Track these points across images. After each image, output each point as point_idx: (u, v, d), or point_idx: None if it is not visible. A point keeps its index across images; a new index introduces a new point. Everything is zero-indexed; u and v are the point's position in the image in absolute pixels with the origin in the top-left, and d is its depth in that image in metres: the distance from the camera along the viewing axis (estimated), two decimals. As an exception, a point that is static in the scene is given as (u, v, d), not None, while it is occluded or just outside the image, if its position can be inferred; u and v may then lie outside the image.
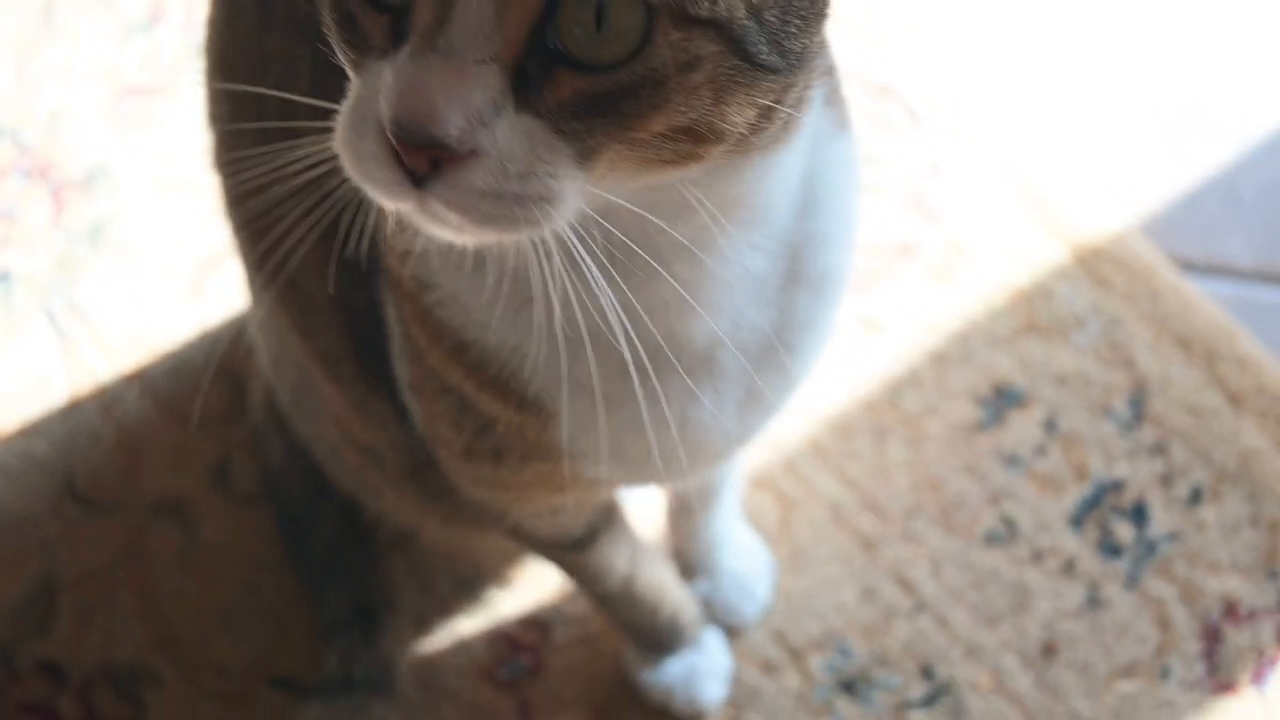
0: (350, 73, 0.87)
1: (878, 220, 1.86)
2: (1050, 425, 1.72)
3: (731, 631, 1.60)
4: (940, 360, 1.77)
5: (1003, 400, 1.74)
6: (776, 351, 1.06)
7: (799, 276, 1.04)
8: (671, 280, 0.95)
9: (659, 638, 1.54)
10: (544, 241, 0.86)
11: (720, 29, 0.82)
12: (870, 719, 1.58)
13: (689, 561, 1.59)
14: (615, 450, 1.06)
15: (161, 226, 1.86)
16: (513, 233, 0.85)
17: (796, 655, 1.61)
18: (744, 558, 1.61)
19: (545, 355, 1.01)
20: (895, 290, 1.82)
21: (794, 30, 0.86)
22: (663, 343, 0.99)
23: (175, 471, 1.72)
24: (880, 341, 1.78)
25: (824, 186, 1.04)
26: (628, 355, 0.93)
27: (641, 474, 1.15)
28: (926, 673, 1.60)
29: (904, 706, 1.58)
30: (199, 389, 1.74)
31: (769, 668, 1.60)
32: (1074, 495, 1.69)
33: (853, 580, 1.65)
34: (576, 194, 0.85)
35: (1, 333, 1.81)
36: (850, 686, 1.60)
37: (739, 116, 0.86)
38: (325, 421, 1.46)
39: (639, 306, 0.93)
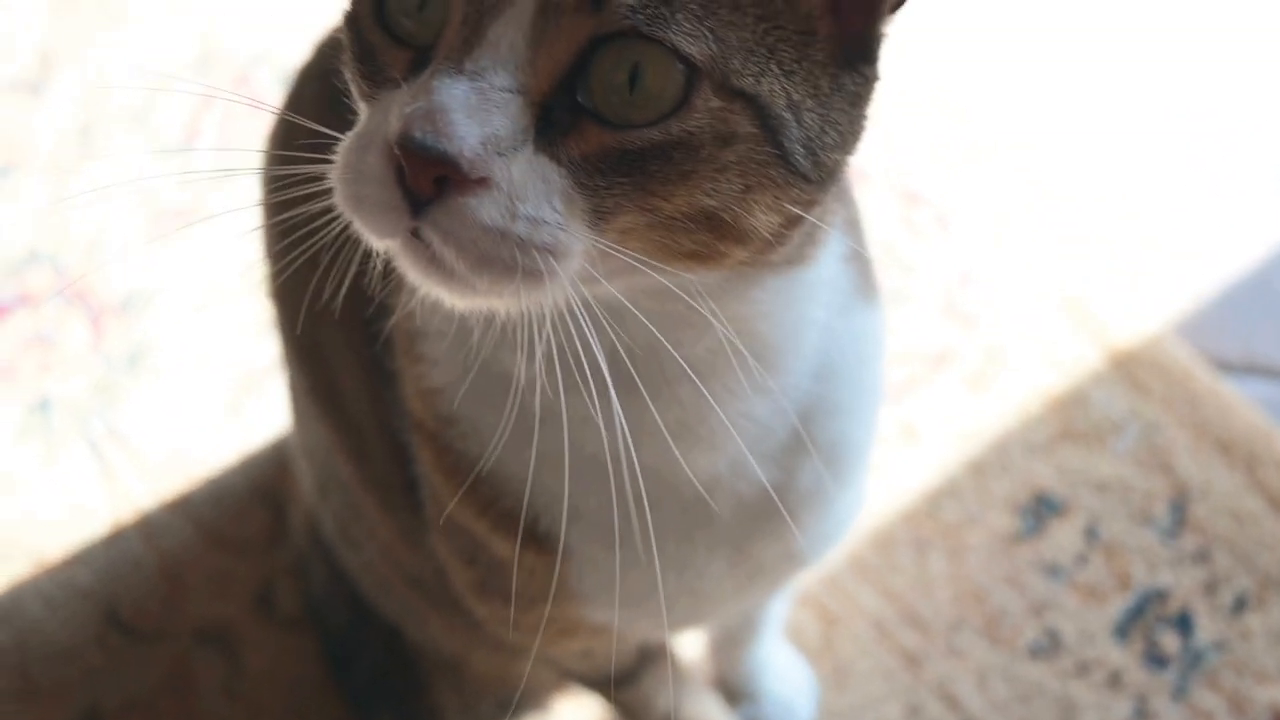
0: (361, 106, 0.86)
1: (912, 328, 1.86)
2: (1091, 534, 1.72)
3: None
4: (978, 469, 1.76)
5: (1042, 509, 1.73)
6: (775, 516, 1.03)
7: (809, 441, 1.02)
8: (675, 404, 0.94)
9: None
10: (550, 342, 0.84)
11: (760, 110, 0.81)
12: None
13: (731, 687, 1.58)
14: (621, 594, 1.04)
15: (199, 348, 1.87)
16: (509, 285, 0.81)
17: None
18: (786, 679, 1.59)
19: (551, 486, 0.99)
20: (931, 398, 1.81)
21: (830, 141, 0.85)
22: (659, 474, 0.97)
23: (219, 598, 1.71)
24: (918, 451, 1.77)
25: (843, 355, 1.03)
26: (626, 484, 0.92)
27: (648, 620, 1.12)
28: None
29: None
30: (241, 514, 1.74)
31: None
32: (1118, 605, 1.68)
33: (897, 697, 1.63)
34: (582, 258, 0.82)
35: (42, 459, 1.81)
36: None
37: (764, 217, 0.85)
38: (372, 548, 1.45)
39: (638, 429, 0.90)
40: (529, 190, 0.79)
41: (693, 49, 0.79)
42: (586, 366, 0.84)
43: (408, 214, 0.79)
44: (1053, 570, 1.70)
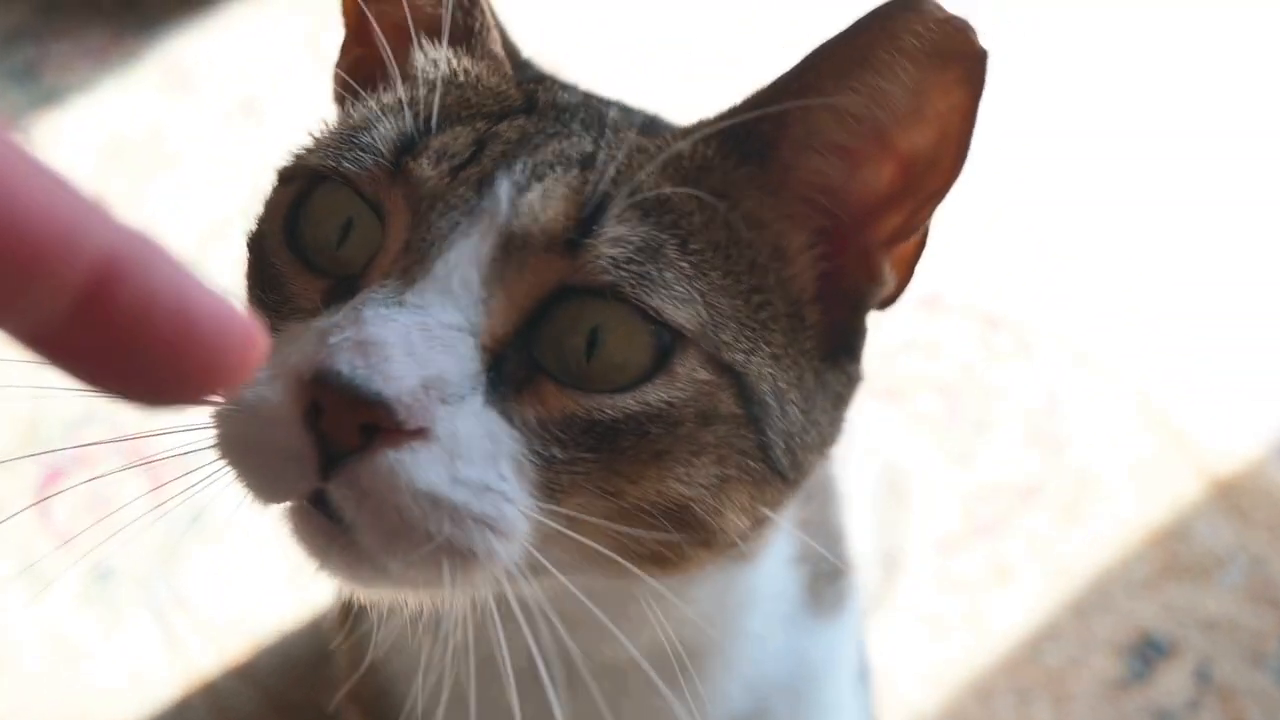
0: None
1: (998, 459, 1.79)
2: (1202, 676, 1.62)
3: None
4: (1078, 609, 1.67)
5: (1149, 651, 1.64)
6: None
7: None
8: (588, 700, 0.83)
9: None
10: (465, 632, 0.71)
11: (746, 390, 0.72)
12: None
13: None
14: None
15: (255, 523, 1.81)
16: (433, 568, 0.66)
17: None
18: None
19: None
20: (1023, 534, 1.74)
21: (811, 440, 0.77)
22: None
23: (289, 770, 1.64)
24: (1012, 591, 1.69)
25: (783, 672, 0.92)
26: None
27: None
28: None
29: None
30: (307, 679, 1.68)
31: None
32: (1236, 752, 1.58)
33: None
34: (524, 542, 0.68)
35: (103, 627, 1.76)
36: None
37: (735, 519, 0.74)
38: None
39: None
40: (474, 449, 0.66)
41: (681, 315, 0.70)
42: (508, 662, 0.71)
43: (316, 469, 0.64)
44: (1164, 717, 1.60)
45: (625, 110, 0.84)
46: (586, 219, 0.70)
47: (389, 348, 0.64)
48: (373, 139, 0.74)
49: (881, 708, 1.55)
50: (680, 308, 0.70)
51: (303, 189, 0.77)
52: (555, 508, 0.68)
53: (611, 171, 0.71)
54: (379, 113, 0.76)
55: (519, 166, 0.72)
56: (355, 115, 0.78)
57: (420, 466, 0.64)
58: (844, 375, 0.80)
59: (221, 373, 0.43)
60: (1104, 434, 1.82)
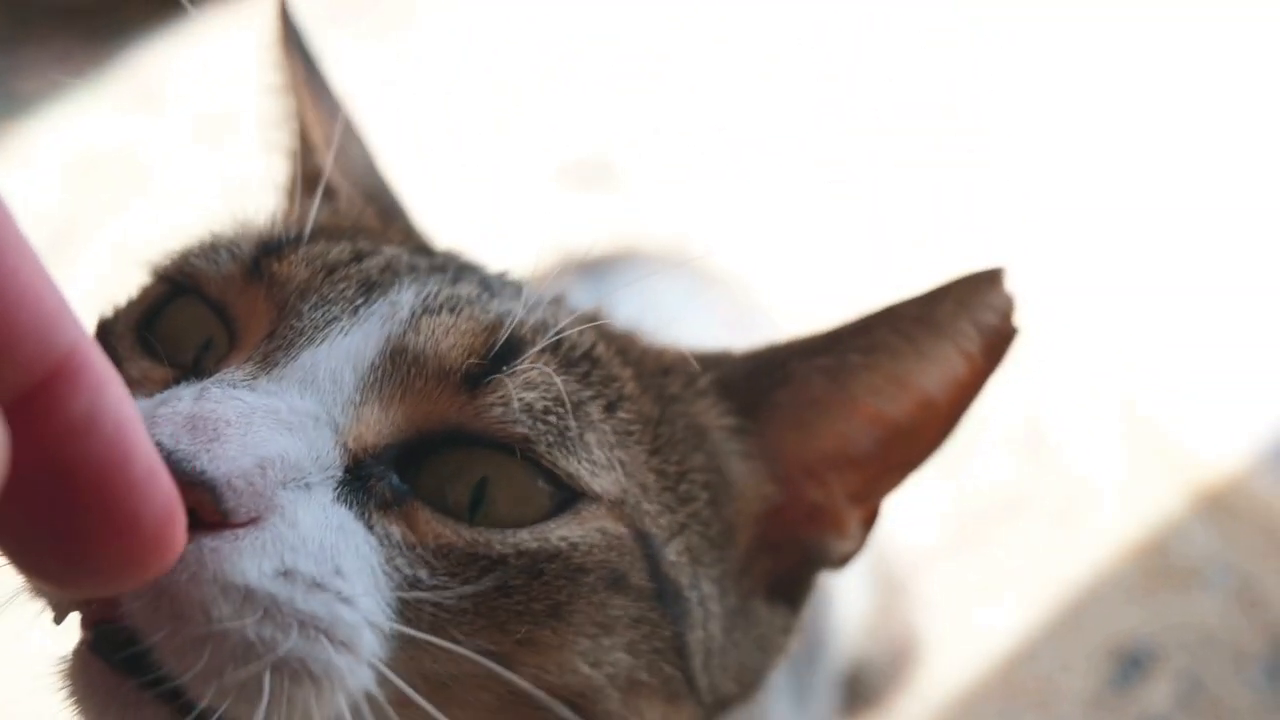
0: None
1: (985, 472, 1.79)
2: (1189, 684, 1.62)
3: None
4: (1065, 619, 1.67)
5: (1136, 659, 1.63)
6: None
7: None
8: None
9: None
10: None
11: (657, 569, 0.63)
12: None
13: None
14: None
15: None
16: (255, 680, 0.53)
17: None
18: None
19: None
20: (1010, 546, 1.73)
21: (729, 663, 0.68)
22: None
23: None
24: (999, 603, 1.69)
25: None
26: None
27: None
28: None
29: None
30: None
31: None
32: (1222, 763, 1.57)
33: None
34: (379, 660, 0.57)
35: None
36: None
37: None
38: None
39: None
40: (312, 541, 0.55)
41: (599, 484, 0.62)
42: None
43: None
44: (1150, 726, 1.59)
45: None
46: (496, 355, 0.62)
47: (223, 424, 0.54)
48: (236, 243, 0.68)
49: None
50: (599, 474, 0.62)
51: (161, 295, 0.69)
52: (416, 633, 0.57)
53: (533, 317, 0.65)
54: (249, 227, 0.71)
55: (424, 287, 0.65)
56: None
57: (239, 554, 0.52)
58: (777, 620, 0.73)
59: (135, 535, 0.40)
60: (1089, 444, 1.81)
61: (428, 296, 0.64)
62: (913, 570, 1.63)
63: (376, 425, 0.60)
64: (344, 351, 0.61)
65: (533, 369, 0.61)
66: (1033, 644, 1.65)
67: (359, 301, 0.63)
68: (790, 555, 0.72)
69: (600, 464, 0.63)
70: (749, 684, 0.71)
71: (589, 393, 0.64)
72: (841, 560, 0.72)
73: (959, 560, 1.71)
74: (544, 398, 0.62)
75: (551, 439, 0.61)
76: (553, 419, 0.61)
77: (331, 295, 0.63)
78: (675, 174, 2.10)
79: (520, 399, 0.61)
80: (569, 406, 0.62)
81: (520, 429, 0.60)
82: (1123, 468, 1.78)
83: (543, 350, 0.63)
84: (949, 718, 1.61)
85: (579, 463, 0.62)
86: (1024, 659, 1.64)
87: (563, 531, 0.61)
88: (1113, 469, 1.78)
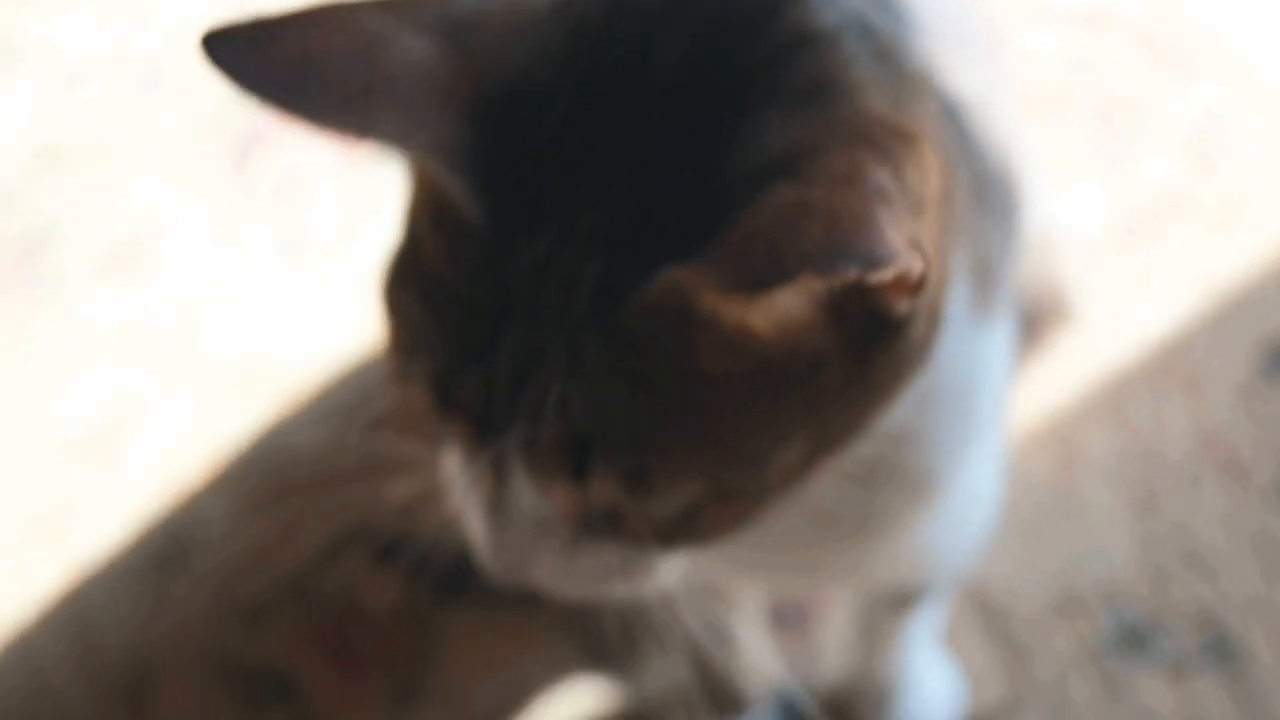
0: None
1: (1151, 173, 1.85)
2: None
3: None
4: (1216, 316, 1.75)
5: (1282, 356, 1.70)
6: (845, 526, 0.94)
7: (889, 469, 0.89)
8: None
9: None
10: None
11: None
12: (1151, 673, 1.56)
13: (860, 690, 1.49)
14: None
15: None
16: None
17: (1076, 607, 1.60)
18: (922, 700, 1.51)
19: None
20: (1168, 247, 1.81)
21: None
22: None
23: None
24: (1153, 298, 1.77)
25: (943, 382, 0.86)
26: None
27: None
28: (1207, 626, 1.58)
29: (1187, 658, 1.57)
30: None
31: (1047, 620, 1.60)
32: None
33: (1132, 535, 1.63)
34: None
35: (291, 287, 1.91)
36: (1131, 640, 1.58)
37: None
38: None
39: None
40: (593, 564, 0.81)
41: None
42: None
43: None
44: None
45: None
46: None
47: (511, 558, 0.82)
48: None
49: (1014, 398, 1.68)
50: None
51: None
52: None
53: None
54: None
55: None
56: None
57: (568, 576, 0.83)
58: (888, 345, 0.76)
59: None
60: (1258, 156, 1.84)
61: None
62: (1073, 254, 1.75)
63: (563, 508, 0.81)
64: (518, 481, 0.80)
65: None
66: (1188, 333, 1.74)
67: None
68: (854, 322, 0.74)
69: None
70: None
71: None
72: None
73: (1119, 254, 1.80)
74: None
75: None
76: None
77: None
78: None
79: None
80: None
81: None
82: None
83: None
84: (1099, 388, 1.71)
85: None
86: (1177, 346, 1.74)
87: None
88: (1274, 184, 1.84)
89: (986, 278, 0.91)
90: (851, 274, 0.63)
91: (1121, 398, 1.70)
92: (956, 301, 0.84)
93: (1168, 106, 1.91)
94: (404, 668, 1.64)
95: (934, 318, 0.76)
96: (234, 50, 0.70)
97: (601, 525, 0.79)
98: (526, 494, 0.77)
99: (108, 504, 1.77)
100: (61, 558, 1.74)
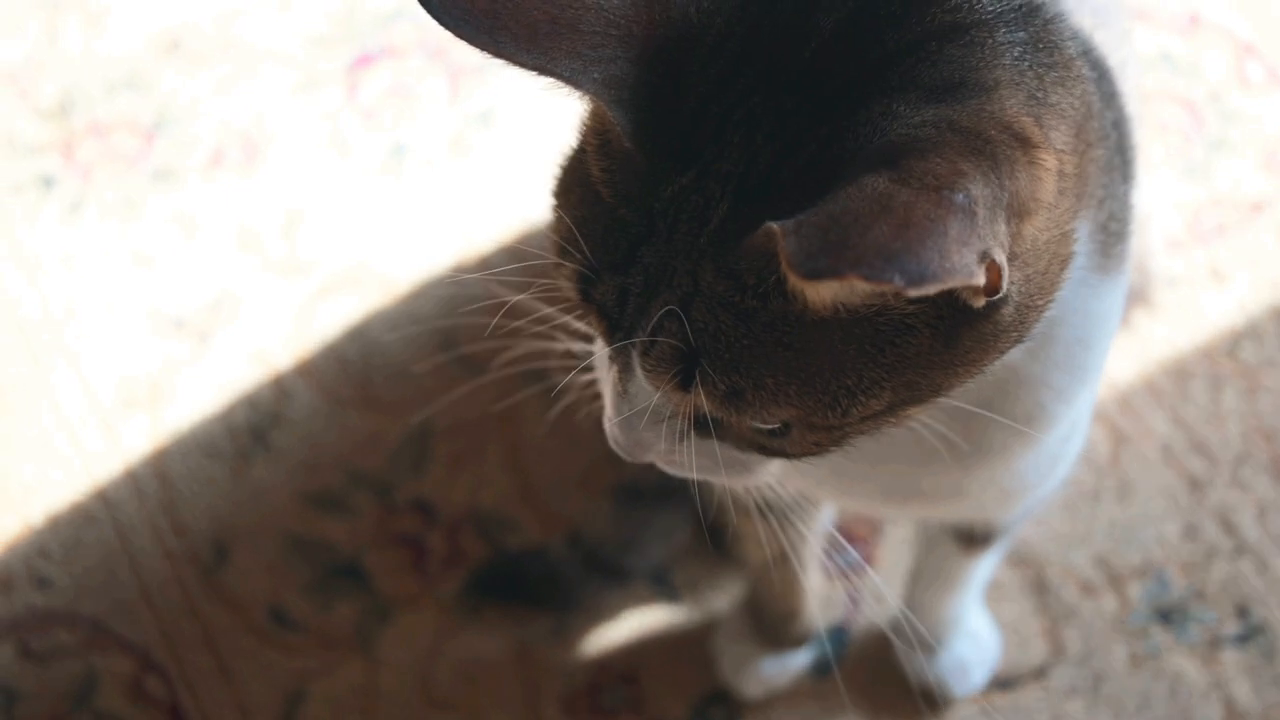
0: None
1: (1231, 177, 1.90)
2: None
3: (935, 700, 1.60)
4: (1281, 317, 1.78)
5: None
6: (944, 459, 0.99)
7: (999, 411, 0.95)
8: None
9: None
10: None
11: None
12: (1183, 649, 1.62)
13: (919, 633, 1.53)
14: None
15: (544, 120, 1.96)
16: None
17: (1116, 580, 1.66)
18: (974, 643, 1.59)
19: None
20: (1243, 245, 1.86)
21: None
22: None
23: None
24: (1223, 293, 1.82)
25: (1062, 331, 0.94)
26: None
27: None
28: (1242, 612, 1.64)
29: (1218, 641, 1.63)
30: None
31: (1088, 589, 1.66)
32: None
33: (1177, 516, 1.69)
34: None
35: (396, 197, 1.97)
36: (1167, 616, 1.64)
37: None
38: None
39: None
40: (705, 459, 0.89)
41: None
42: None
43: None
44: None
45: None
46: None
47: (629, 442, 0.91)
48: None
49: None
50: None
51: None
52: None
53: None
54: None
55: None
56: None
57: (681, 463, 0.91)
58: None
59: None
60: None
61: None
62: (1156, 243, 1.80)
63: (679, 408, 0.88)
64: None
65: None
66: (1249, 332, 1.80)
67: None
68: None
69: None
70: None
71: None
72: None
73: (1194, 251, 1.85)
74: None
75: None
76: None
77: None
78: None
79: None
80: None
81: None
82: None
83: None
84: (1158, 381, 1.77)
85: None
86: (1238, 344, 1.79)
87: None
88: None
89: (1111, 236, 0.96)
90: (896, 284, 0.67)
91: (1182, 385, 1.75)
92: (1079, 261, 0.89)
93: (1255, 111, 1.96)
94: (470, 573, 1.72)
95: (1033, 300, 0.82)
96: None
97: (706, 425, 0.87)
98: (645, 388, 0.85)
99: (199, 380, 1.85)
100: (150, 425, 1.82)
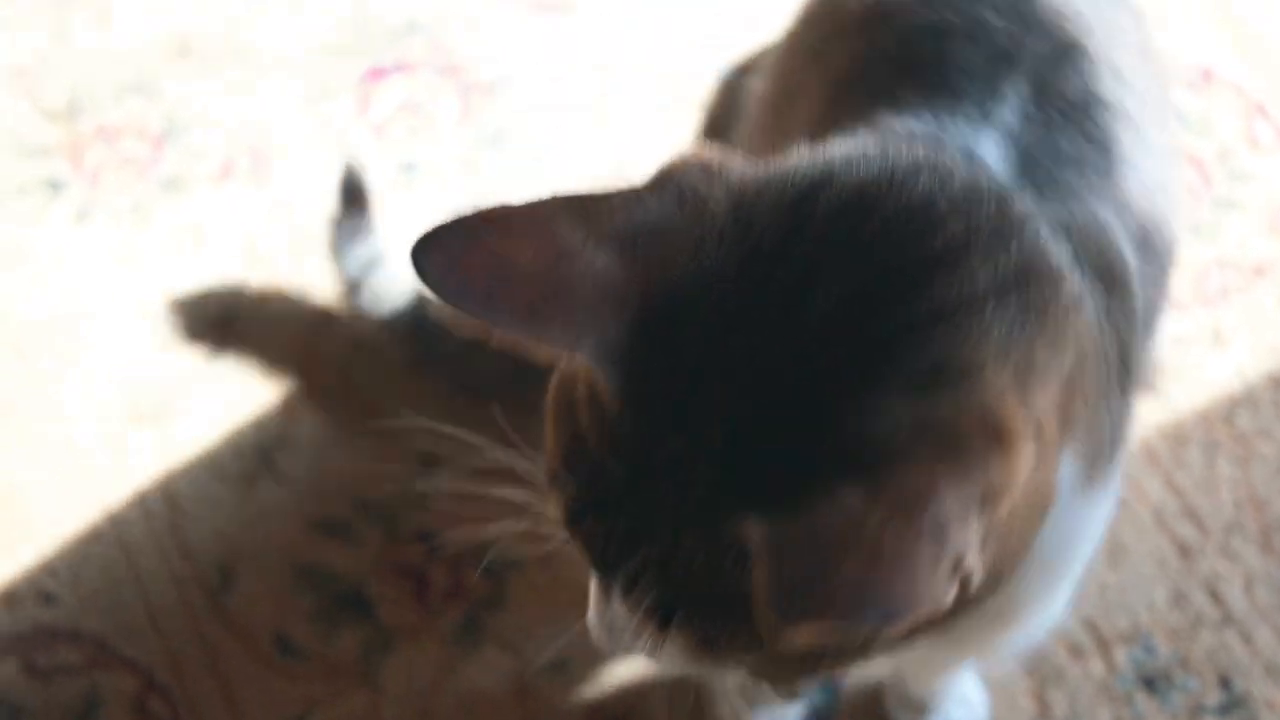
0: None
1: (1235, 238, 1.92)
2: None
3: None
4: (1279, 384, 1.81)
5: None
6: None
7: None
8: None
9: None
10: None
11: None
12: (1165, 717, 1.64)
13: (907, 698, 1.60)
14: None
15: (554, 144, 1.99)
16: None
17: (1103, 644, 1.69)
18: (963, 708, 1.62)
19: None
20: (1245, 308, 1.87)
21: None
22: None
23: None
24: (1222, 356, 1.84)
25: (1043, 548, 0.93)
26: None
27: None
28: (1225, 683, 1.66)
29: (1200, 711, 1.66)
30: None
31: (1076, 652, 1.68)
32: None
33: (1166, 582, 1.71)
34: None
35: (403, 216, 1.94)
36: (1151, 683, 1.66)
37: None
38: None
39: None
40: (678, 658, 0.93)
41: None
42: None
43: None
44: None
45: None
46: None
47: (605, 640, 0.95)
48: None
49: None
50: None
51: None
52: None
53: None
54: None
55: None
56: None
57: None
58: None
59: None
60: None
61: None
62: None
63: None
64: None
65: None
66: (1245, 400, 1.81)
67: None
68: None
69: None
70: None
71: None
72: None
73: (1195, 313, 1.86)
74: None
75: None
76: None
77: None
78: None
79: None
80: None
81: None
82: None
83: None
84: (1155, 444, 1.79)
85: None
86: (1234, 410, 1.81)
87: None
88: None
89: (1101, 457, 0.96)
90: (867, 622, 0.74)
91: (1178, 450, 1.78)
92: (1064, 483, 0.90)
93: (1264, 171, 1.97)
94: (471, 607, 1.73)
95: (1007, 562, 0.86)
96: (436, 264, 0.82)
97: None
98: (625, 614, 0.89)
99: (206, 397, 1.85)
100: (159, 444, 1.82)
